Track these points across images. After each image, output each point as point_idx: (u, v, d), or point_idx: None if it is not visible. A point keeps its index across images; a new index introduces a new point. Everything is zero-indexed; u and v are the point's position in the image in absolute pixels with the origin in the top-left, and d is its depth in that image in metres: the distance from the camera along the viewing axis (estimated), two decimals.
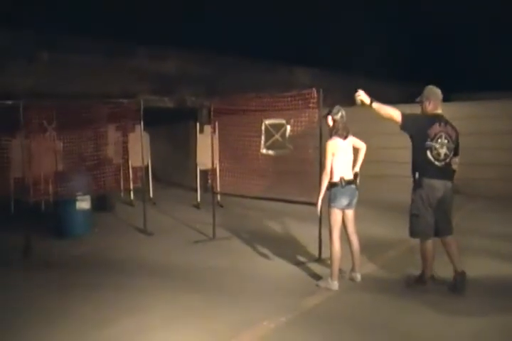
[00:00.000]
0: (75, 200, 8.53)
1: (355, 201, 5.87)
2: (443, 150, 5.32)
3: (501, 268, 6.34)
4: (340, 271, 5.94)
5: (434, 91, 5.47)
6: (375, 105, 5.41)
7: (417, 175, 5.40)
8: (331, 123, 5.85)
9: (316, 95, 6.81)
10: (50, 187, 9.61)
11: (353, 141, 5.94)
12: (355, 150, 5.98)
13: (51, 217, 8.98)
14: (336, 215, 5.79)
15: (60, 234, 8.48)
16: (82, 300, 5.56)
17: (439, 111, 5.45)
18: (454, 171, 5.46)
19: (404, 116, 5.35)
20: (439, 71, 16.14)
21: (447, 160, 5.36)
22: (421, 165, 5.39)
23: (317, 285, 5.88)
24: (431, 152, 5.32)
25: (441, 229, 5.49)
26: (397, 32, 16.14)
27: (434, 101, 5.41)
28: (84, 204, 8.65)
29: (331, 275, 5.80)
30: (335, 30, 15.19)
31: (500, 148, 11.52)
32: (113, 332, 4.70)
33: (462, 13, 16.30)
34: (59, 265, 7.05)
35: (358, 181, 5.89)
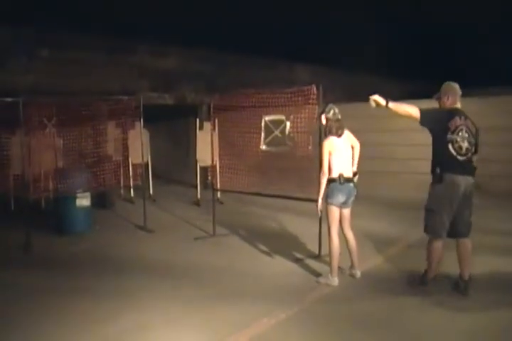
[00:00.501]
0: (74, 197, 8.53)
1: (352, 199, 5.86)
2: (464, 144, 5.18)
3: (506, 265, 6.32)
4: (340, 268, 5.95)
5: (452, 87, 5.39)
6: (392, 105, 5.34)
7: (437, 170, 5.25)
8: (324, 122, 5.86)
9: (315, 91, 6.81)
10: (50, 184, 9.63)
11: (349, 137, 5.93)
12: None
13: (51, 214, 8.99)
14: (334, 212, 5.80)
15: (60, 231, 8.49)
16: (82, 297, 5.57)
17: (458, 105, 5.36)
18: (475, 168, 5.30)
19: (422, 111, 5.27)
20: (439, 68, 16.12)
21: (469, 154, 5.22)
22: (442, 160, 5.25)
23: (317, 282, 5.89)
24: (452, 145, 5.18)
25: (458, 229, 5.32)
26: (398, 30, 16.10)
27: (452, 96, 5.33)
28: (84, 201, 8.64)
29: (331, 271, 5.82)
30: (335, 27, 15.16)
31: (504, 145, 11.48)
32: (113, 330, 4.70)
33: (462, 10, 16.27)
34: (59, 262, 7.06)
35: (356, 179, 5.89)
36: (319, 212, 6.06)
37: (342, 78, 16.71)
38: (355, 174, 5.91)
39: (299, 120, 7.51)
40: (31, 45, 10.12)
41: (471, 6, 15.57)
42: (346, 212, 5.91)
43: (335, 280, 5.79)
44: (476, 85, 15.32)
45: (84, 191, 8.68)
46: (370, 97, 5.42)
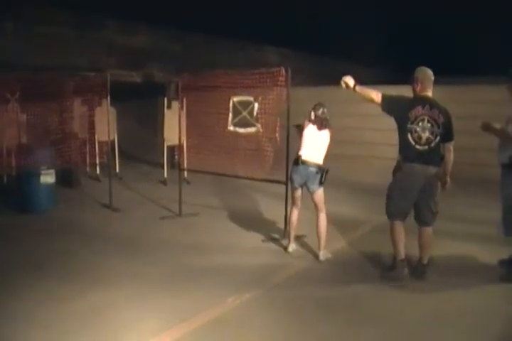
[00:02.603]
0: (38, 174, 8.40)
1: (311, 185, 5.99)
2: (425, 134, 5.19)
3: (461, 249, 6.53)
4: (307, 249, 6.07)
5: (424, 72, 5.32)
6: (358, 88, 5.41)
7: (398, 158, 5.35)
8: (312, 117, 6.05)
9: (284, 74, 6.83)
10: (13, 160, 9.45)
11: (326, 137, 6.10)
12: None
13: (14, 191, 8.84)
14: (292, 191, 6.22)
15: (23, 209, 8.34)
16: (48, 275, 5.54)
17: (428, 93, 5.30)
18: (441, 157, 5.30)
19: (384, 97, 5.30)
20: (410, 55, 16.22)
21: (432, 144, 5.22)
22: (402, 148, 5.32)
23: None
24: (411, 135, 5.21)
25: (421, 218, 5.42)
26: (371, 14, 16.10)
27: (422, 82, 5.27)
28: (48, 178, 8.51)
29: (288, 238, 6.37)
30: (306, 10, 15.10)
31: (467, 133, 11.72)
32: (79, 307, 4.70)
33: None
34: (23, 240, 6.97)
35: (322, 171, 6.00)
36: None
37: (311, 61, 16.75)
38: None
39: (267, 101, 7.54)
40: None
41: None
42: (313, 196, 6.06)
43: (290, 246, 6.37)
44: (447, 73, 15.54)
45: (49, 168, 8.55)
46: (343, 78, 5.47)
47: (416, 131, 5.22)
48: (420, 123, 5.21)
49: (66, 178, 10.33)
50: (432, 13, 16.41)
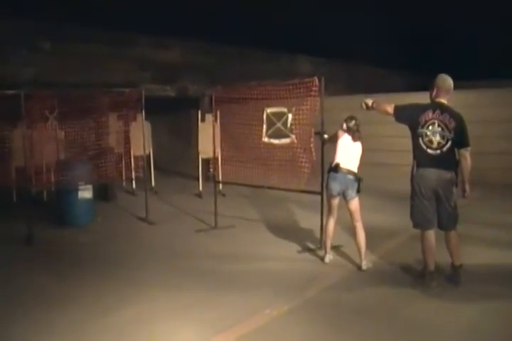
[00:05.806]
0: (77, 190, 8.54)
1: (350, 192, 5.96)
2: (436, 138, 5.20)
3: (497, 256, 6.39)
4: (340, 252, 6.03)
5: (442, 79, 5.35)
6: (375, 105, 5.61)
7: (412, 164, 5.38)
8: (344, 128, 6.08)
9: (317, 83, 6.81)
10: (52, 176, 9.63)
11: (359, 149, 6.13)
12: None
13: (53, 207, 9.01)
14: (328, 200, 6.20)
15: (62, 224, 8.50)
16: (84, 288, 5.59)
17: (443, 99, 5.32)
18: (456, 162, 5.27)
19: (396, 108, 5.42)
20: (441, 59, 16.07)
21: (444, 149, 5.20)
22: (415, 154, 5.36)
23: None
24: (422, 139, 5.26)
25: (442, 223, 5.38)
26: (400, 20, 16.04)
27: (438, 89, 5.30)
28: (86, 193, 8.65)
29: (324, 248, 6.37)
30: (337, 18, 15.12)
31: (497, 137, 11.53)
32: (114, 321, 4.72)
33: (460, 2, 16.24)
34: (61, 254, 7.07)
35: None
36: None
37: (343, 70, 16.68)
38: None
39: (301, 112, 7.51)
40: (32, 37, 10.09)
41: None
42: (350, 205, 6.02)
43: (327, 256, 6.30)
44: (472, 77, 15.34)
45: (86, 183, 8.68)
46: (364, 100, 5.71)
47: (427, 135, 5.25)
48: (430, 127, 5.23)
49: (103, 192, 10.46)
50: (469, 17, 16.27)
